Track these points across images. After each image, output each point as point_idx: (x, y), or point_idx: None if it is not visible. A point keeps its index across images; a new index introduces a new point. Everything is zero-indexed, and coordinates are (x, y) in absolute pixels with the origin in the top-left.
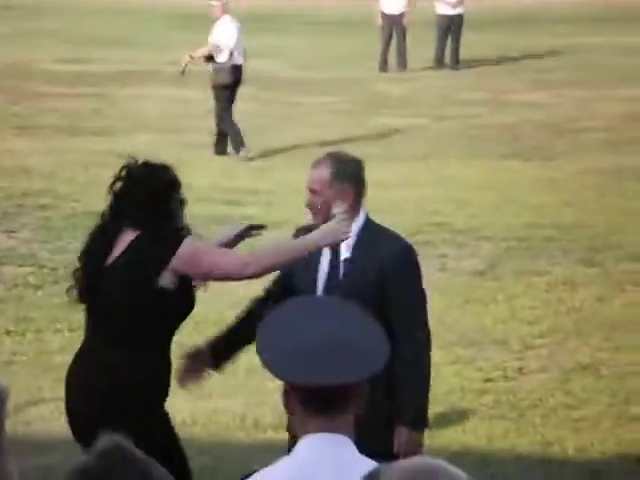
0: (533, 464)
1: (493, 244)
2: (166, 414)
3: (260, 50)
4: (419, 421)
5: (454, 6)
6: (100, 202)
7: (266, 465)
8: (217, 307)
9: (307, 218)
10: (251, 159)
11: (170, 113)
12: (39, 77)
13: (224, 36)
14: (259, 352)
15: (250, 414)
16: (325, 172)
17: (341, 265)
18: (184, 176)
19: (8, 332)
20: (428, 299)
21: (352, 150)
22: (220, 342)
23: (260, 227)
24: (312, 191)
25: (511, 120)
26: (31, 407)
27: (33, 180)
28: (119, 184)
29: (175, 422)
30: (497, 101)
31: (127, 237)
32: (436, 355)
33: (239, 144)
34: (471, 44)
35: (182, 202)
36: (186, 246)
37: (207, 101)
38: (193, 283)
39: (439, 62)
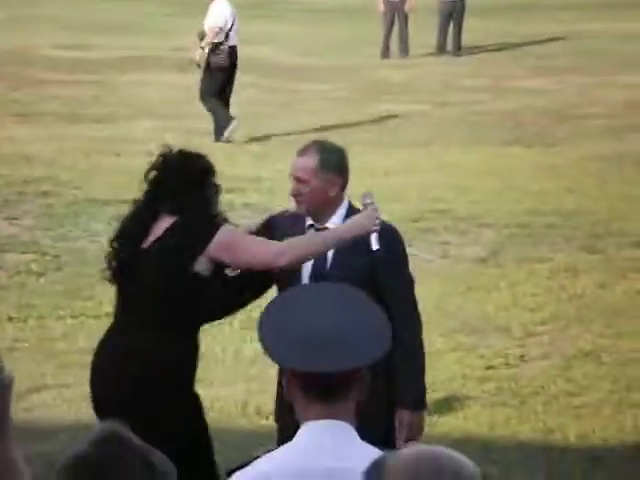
0: (534, 451)
1: (495, 231)
2: (197, 398)
3: (257, 37)
4: (420, 403)
5: None
6: (102, 189)
7: (267, 452)
8: None
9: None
10: (230, 142)
11: (171, 99)
12: (39, 63)
13: (221, 17)
14: (261, 339)
15: (252, 401)
16: (311, 161)
17: (329, 253)
18: None
19: (10, 319)
20: (430, 286)
21: (353, 137)
22: None
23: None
24: (298, 179)
25: (513, 106)
26: (33, 394)
27: (34, 167)
28: (154, 172)
29: None
30: (499, 87)
31: (163, 223)
32: (438, 342)
33: (222, 128)
34: (473, 30)
35: (217, 189)
36: (223, 234)
37: None
38: (225, 270)
39: (441, 48)
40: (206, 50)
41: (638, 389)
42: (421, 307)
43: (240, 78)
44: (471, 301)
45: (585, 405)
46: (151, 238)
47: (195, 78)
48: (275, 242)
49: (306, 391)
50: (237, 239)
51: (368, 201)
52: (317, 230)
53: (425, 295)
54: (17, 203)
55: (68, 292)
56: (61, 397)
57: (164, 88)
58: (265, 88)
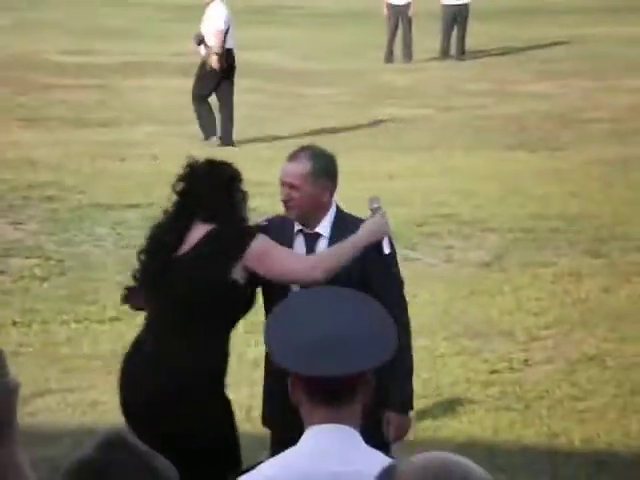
0: (539, 455)
1: (499, 235)
2: (229, 404)
3: (261, 42)
4: (407, 405)
5: None
6: (106, 193)
7: (272, 457)
8: None
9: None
10: (220, 145)
11: (174, 104)
12: (44, 68)
13: (221, 19)
14: (266, 342)
15: (256, 406)
16: (303, 167)
17: None
18: None
19: (14, 323)
20: (434, 290)
21: (358, 141)
22: None
23: None
24: (289, 185)
25: (517, 111)
26: (37, 398)
27: (39, 172)
28: (182, 184)
29: None
30: (503, 92)
31: (197, 232)
32: (442, 346)
33: (211, 131)
34: (477, 35)
35: (245, 195)
36: (258, 243)
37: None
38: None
39: (445, 53)
40: (216, 52)
41: None
42: (425, 311)
43: (245, 83)
44: (475, 305)
45: (589, 409)
46: (185, 247)
47: None
48: (304, 256)
49: (311, 395)
50: (271, 250)
51: (375, 206)
52: (306, 235)
53: (429, 299)
54: (22, 208)
55: (72, 297)
56: (65, 402)
57: (165, 93)
58: (270, 93)
